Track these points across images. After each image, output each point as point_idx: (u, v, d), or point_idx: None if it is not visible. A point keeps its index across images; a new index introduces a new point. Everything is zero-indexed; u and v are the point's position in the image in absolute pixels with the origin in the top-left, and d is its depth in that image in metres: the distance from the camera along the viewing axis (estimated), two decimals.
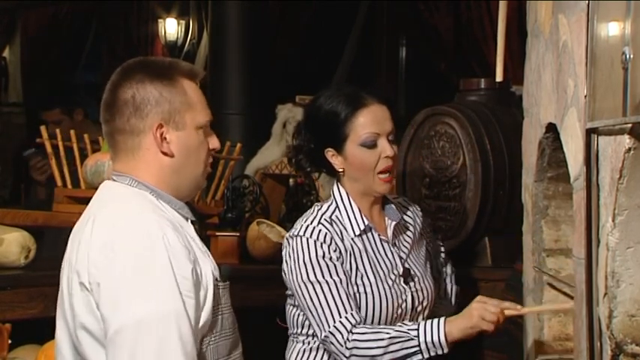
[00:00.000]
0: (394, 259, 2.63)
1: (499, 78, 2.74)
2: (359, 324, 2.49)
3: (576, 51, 1.97)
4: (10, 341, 2.95)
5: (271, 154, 4.37)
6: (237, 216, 3.86)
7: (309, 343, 2.61)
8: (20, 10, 9.16)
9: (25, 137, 7.77)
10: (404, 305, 2.59)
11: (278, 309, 2.76)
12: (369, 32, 7.54)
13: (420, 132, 3.77)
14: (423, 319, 2.60)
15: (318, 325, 2.52)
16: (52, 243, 3.41)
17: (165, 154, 2.04)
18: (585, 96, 1.82)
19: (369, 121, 2.58)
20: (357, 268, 2.57)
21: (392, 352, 2.45)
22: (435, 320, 2.47)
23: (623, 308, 1.75)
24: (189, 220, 2.09)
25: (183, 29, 8.65)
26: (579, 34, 1.93)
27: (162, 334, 1.88)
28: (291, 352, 2.65)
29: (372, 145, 2.58)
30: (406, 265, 2.64)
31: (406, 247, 2.68)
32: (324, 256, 2.53)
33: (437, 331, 2.43)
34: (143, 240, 1.93)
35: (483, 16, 6.61)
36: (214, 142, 2.12)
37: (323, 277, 2.52)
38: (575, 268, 2.03)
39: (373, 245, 2.62)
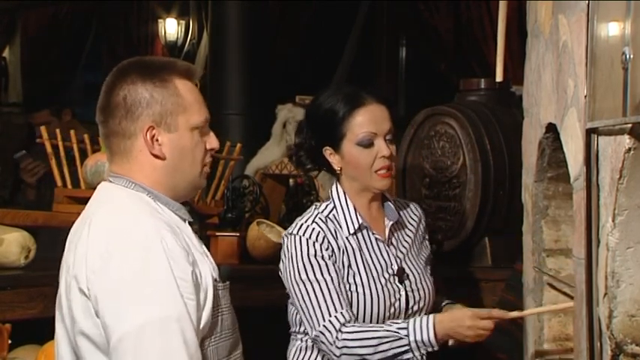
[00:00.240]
0: (389, 258, 2.63)
1: (499, 78, 2.74)
2: (349, 322, 2.49)
3: (576, 51, 1.97)
4: (10, 341, 2.95)
5: (271, 155, 4.36)
6: (237, 216, 3.87)
7: (305, 341, 2.61)
8: (20, 10, 9.16)
9: (25, 137, 7.75)
10: (397, 304, 2.59)
11: (278, 309, 2.77)
12: (369, 32, 7.54)
13: (420, 132, 3.77)
14: None
15: (309, 324, 2.53)
16: (48, 243, 3.39)
17: (156, 156, 2.01)
18: (585, 96, 1.81)
19: (367, 121, 2.58)
20: (349, 266, 2.57)
21: (382, 351, 2.46)
22: (425, 318, 2.47)
23: (623, 308, 1.75)
24: (187, 222, 2.07)
25: (183, 29, 8.65)
26: (579, 34, 1.92)
27: (166, 338, 1.86)
28: (290, 350, 2.66)
29: (368, 144, 2.58)
30: (402, 265, 2.64)
31: (404, 247, 2.68)
32: (315, 255, 2.53)
33: (426, 330, 2.44)
34: (141, 245, 1.91)
35: (483, 16, 6.61)
36: (212, 142, 2.09)
37: (314, 275, 2.52)
38: (575, 268, 2.03)
39: (368, 244, 2.62)
